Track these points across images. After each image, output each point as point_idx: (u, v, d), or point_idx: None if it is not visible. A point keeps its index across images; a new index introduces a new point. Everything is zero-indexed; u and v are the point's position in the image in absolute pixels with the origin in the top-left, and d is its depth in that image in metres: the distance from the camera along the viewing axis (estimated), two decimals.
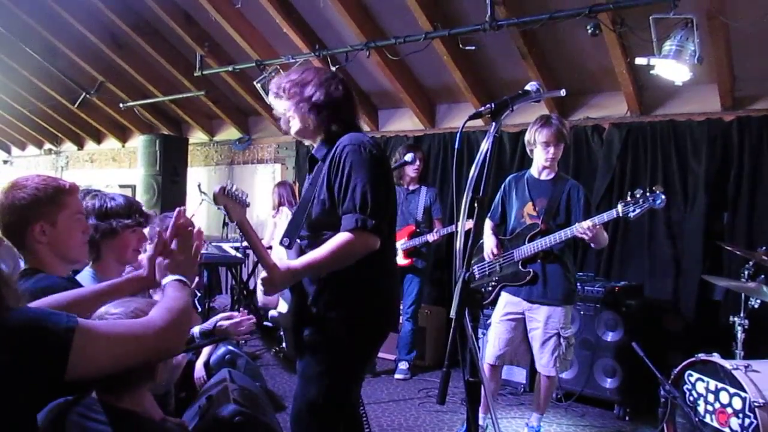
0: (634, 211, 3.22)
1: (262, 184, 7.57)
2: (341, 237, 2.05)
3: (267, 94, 5.49)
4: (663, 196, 3.18)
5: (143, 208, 2.43)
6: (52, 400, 1.50)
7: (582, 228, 3.27)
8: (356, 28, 5.05)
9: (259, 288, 2.24)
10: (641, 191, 3.23)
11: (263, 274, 2.12)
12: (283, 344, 5.52)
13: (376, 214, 2.05)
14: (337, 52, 5.32)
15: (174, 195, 6.79)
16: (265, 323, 2.36)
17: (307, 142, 2.37)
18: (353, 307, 2.13)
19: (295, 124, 2.24)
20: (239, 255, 5.75)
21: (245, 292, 6.26)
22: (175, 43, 6.63)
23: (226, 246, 5.90)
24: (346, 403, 2.26)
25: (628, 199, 3.25)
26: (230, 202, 2.08)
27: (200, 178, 7.47)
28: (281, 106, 2.27)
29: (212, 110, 7.50)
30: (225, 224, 6.89)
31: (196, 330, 2.62)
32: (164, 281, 1.57)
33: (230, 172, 7.89)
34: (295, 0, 5.32)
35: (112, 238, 2.26)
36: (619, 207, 3.26)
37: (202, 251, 5.33)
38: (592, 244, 3.39)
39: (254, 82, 5.72)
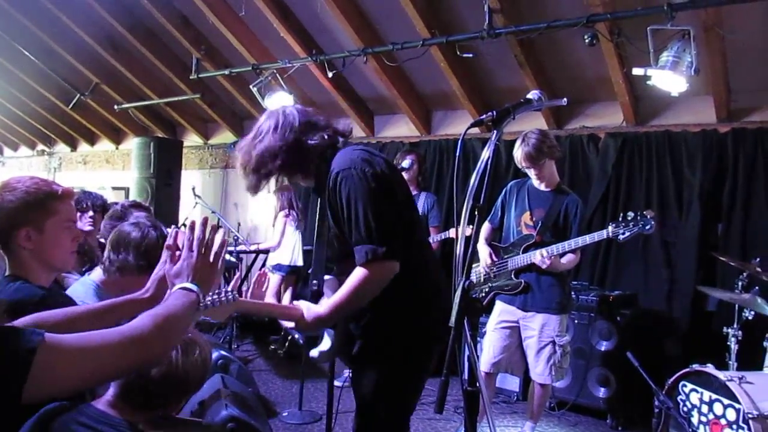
0: (624, 233, 3.27)
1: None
2: (357, 274, 1.97)
3: (263, 98, 5.55)
4: (653, 222, 3.23)
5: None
6: (15, 421, 1.45)
7: (537, 257, 3.33)
8: (354, 34, 5.05)
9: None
10: (633, 214, 3.27)
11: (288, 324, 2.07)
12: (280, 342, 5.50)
13: (384, 239, 1.94)
14: (335, 57, 5.32)
15: (167, 198, 6.75)
16: (311, 356, 2.26)
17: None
18: (393, 325, 2.05)
19: (287, 181, 2.15)
20: (233, 259, 5.72)
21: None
22: (171, 45, 6.61)
23: None
24: (410, 415, 2.18)
25: (620, 220, 3.29)
26: (211, 312, 1.84)
27: (194, 181, 7.45)
28: (259, 181, 2.14)
29: (207, 113, 7.48)
30: (218, 227, 6.85)
31: None
32: (173, 289, 1.46)
33: (224, 176, 7.86)
34: (292, 4, 5.32)
35: (138, 275, 2.17)
36: (610, 228, 3.31)
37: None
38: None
39: (250, 86, 5.70)
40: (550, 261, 3.32)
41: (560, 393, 4.27)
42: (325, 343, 2.16)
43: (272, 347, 5.74)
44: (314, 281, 2.18)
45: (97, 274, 2.24)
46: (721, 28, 3.89)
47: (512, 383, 4.64)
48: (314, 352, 2.17)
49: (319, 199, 2.17)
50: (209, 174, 8.00)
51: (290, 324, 2.06)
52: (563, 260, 3.40)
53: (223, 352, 3.39)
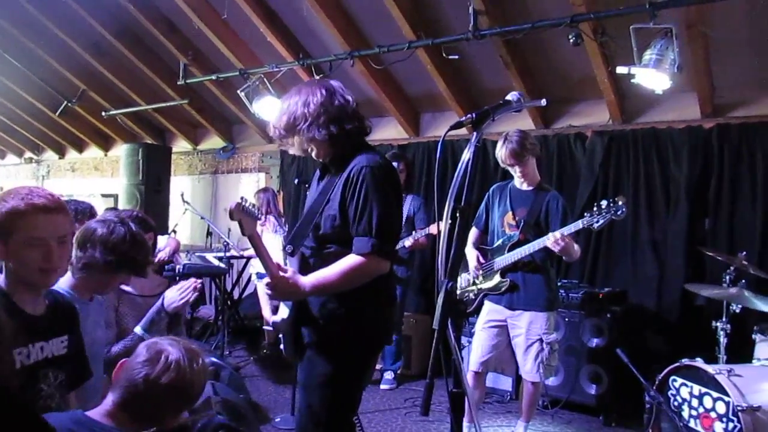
0: (597, 221, 3.30)
1: (246, 194, 7.54)
2: (354, 259, 2.08)
3: (251, 103, 5.55)
4: (624, 208, 3.27)
5: (148, 256, 2.34)
6: None
7: (552, 239, 3.31)
8: (340, 37, 5.05)
9: (266, 313, 2.28)
10: (606, 202, 3.30)
11: (266, 281, 2.14)
12: (270, 344, 5.51)
13: (389, 240, 2.11)
14: (321, 60, 5.32)
15: (157, 205, 6.73)
16: (264, 327, 2.37)
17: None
18: (354, 318, 2.15)
19: (307, 147, 2.23)
20: (223, 265, 5.71)
21: (229, 302, 6.21)
22: (158, 51, 6.59)
23: (210, 256, 5.85)
24: (351, 414, 2.27)
25: (594, 210, 3.32)
26: (245, 217, 2.13)
27: (184, 187, 7.43)
28: (291, 143, 2.25)
29: (196, 119, 7.46)
30: (209, 234, 6.85)
31: (138, 330, 2.53)
32: None
33: (214, 182, 7.85)
34: (279, 9, 5.32)
35: (106, 272, 2.19)
36: (585, 218, 3.34)
37: (186, 262, 5.23)
38: (564, 257, 3.41)
39: (238, 91, 5.69)
40: (564, 243, 3.30)
41: (553, 391, 4.29)
42: (283, 312, 2.24)
43: (265, 351, 5.72)
44: (289, 246, 2.24)
45: (65, 280, 2.18)
46: (703, 26, 3.93)
47: (505, 383, 4.66)
48: (276, 318, 2.28)
49: (327, 177, 2.26)
50: (199, 180, 7.98)
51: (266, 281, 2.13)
52: (575, 246, 3.40)
53: (214, 359, 3.37)
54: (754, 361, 3.45)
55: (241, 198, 2.16)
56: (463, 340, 4.61)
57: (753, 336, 3.52)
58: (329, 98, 2.18)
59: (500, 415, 4.33)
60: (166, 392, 1.61)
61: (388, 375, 4.95)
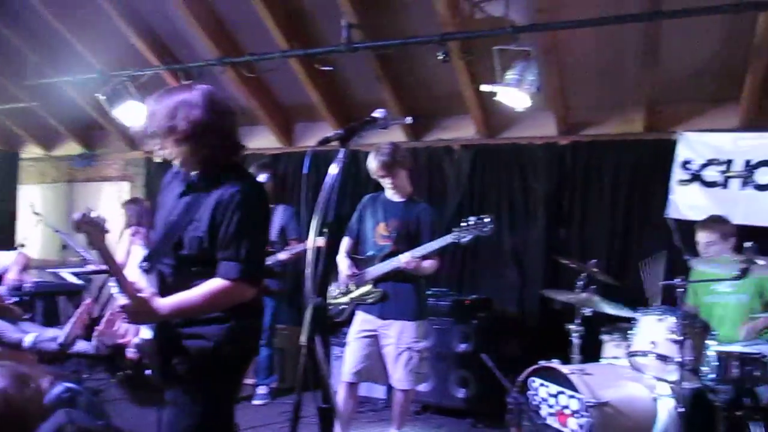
0: (464, 237, 3.47)
1: (108, 204, 7.04)
2: (219, 284, 2.02)
3: (112, 106, 5.20)
4: (491, 225, 3.45)
5: None
6: None
7: (403, 260, 3.43)
8: (210, 43, 4.89)
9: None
10: (474, 219, 3.47)
11: (120, 300, 2.02)
12: (133, 365, 5.17)
13: (257, 267, 2.09)
14: (190, 66, 5.11)
15: (2, 216, 6.10)
16: (135, 343, 2.22)
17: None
18: (225, 333, 2.09)
19: (175, 154, 2.07)
20: (80, 282, 5.27)
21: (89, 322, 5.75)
22: (2, 46, 5.99)
23: (65, 273, 5.38)
24: (228, 429, 2.22)
25: (462, 225, 3.48)
26: (91, 229, 1.99)
27: (34, 197, 6.80)
28: (155, 135, 2.07)
29: (49, 122, 6.86)
30: (64, 247, 6.30)
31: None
32: None
33: (70, 191, 7.24)
34: (143, 8, 5.04)
35: None
36: (453, 233, 3.48)
37: (37, 279, 4.80)
38: (419, 274, 3.54)
39: (96, 94, 5.30)
40: (415, 263, 3.40)
41: (424, 396, 4.41)
42: (146, 333, 2.14)
43: (127, 372, 5.36)
44: (146, 263, 2.15)
45: None
46: (558, 51, 4.26)
47: (378, 391, 4.71)
48: (136, 340, 2.18)
49: (192, 194, 2.14)
50: (52, 188, 7.33)
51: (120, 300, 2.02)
52: (425, 264, 3.51)
53: (68, 385, 3.11)
54: (602, 360, 3.76)
55: (86, 208, 1.99)
56: (337, 350, 4.62)
57: (600, 337, 3.84)
58: (215, 110, 2.05)
59: (374, 424, 4.37)
60: None
61: (261, 390, 4.83)
